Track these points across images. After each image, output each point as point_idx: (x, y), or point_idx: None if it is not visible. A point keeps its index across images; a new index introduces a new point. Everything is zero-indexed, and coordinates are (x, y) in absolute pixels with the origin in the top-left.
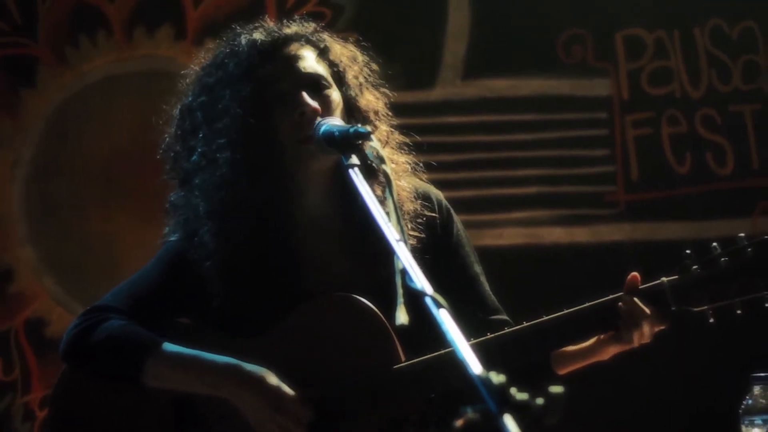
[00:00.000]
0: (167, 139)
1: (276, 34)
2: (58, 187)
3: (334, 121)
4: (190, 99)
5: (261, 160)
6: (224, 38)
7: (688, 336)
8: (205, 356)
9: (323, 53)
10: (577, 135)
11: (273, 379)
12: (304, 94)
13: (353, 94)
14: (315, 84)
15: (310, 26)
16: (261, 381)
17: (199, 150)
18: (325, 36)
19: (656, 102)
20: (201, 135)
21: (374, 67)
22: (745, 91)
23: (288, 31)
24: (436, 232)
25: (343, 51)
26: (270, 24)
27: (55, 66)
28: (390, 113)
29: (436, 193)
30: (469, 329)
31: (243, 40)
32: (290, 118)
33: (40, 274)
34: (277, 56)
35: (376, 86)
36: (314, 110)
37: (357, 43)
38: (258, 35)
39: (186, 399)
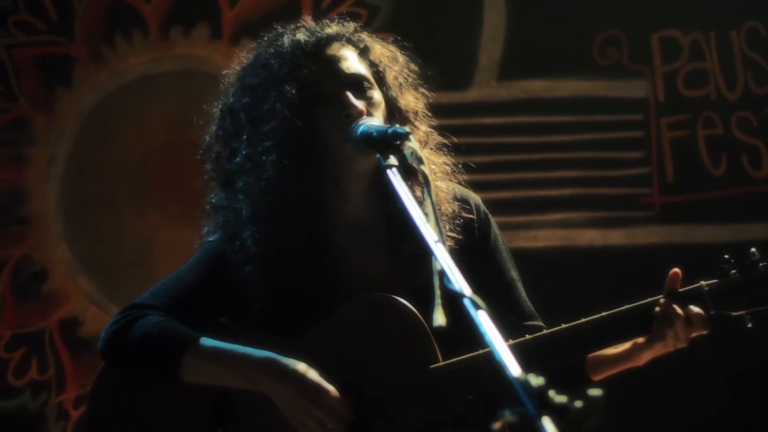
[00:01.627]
0: (208, 139)
1: (319, 35)
2: (93, 186)
3: (372, 122)
4: (232, 100)
5: (308, 163)
6: (266, 38)
7: (726, 340)
8: (243, 350)
9: (364, 53)
10: (612, 137)
11: (312, 374)
12: (349, 95)
13: (393, 94)
14: (358, 84)
15: (350, 26)
16: (298, 374)
17: (243, 152)
18: (365, 36)
19: (692, 104)
20: (245, 136)
21: (413, 67)
22: None
23: (329, 31)
24: (474, 234)
25: (383, 51)
26: (311, 24)
27: (91, 65)
28: (429, 114)
29: (475, 197)
30: (505, 334)
31: (286, 40)
32: (335, 119)
33: (74, 274)
34: (320, 57)
35: (415, 87)
36: (360, 111)
37: (397, 43)
38: (301, 35)
39: (224, 395)
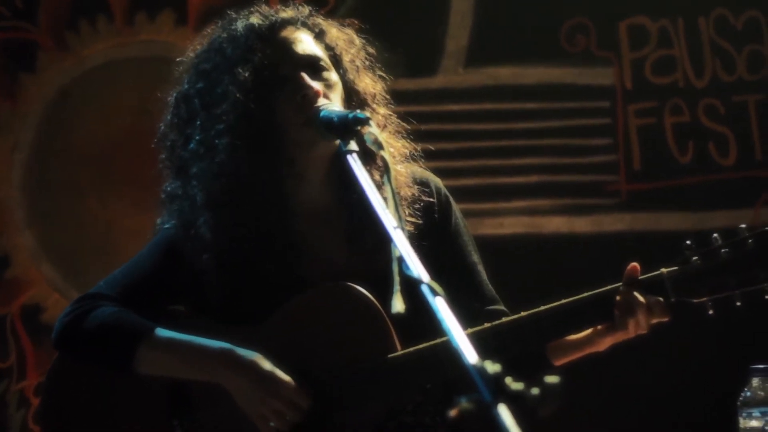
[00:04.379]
0: (162, 127)
1: (273, 18)
2: (56, 172)
3: (333, 107)
4: (186, 86)
5: (262, 145)
6: (219, 23)
7: (687, 328)
8: (198, 341)
9: (319, 36)
10: (579, 124)
11: (267, 364)
12: (305, 76)
13: (351, 77)
14: (314, 65)
15: (305, 10)
16: (254, 365)
17: (197, 138)
18: (321, 20)
19: (659, 91)
20: (198, 122)
21: (371, 50)
22: (749, 81)
23: (284, 15)
24: (434, 218)
25: (339, 34)
26: (266, 8)
27: (55, 51)
28: (388, 97)
29: (435, 180)
30: (466, 319)
31: (239, 24)
32: (292, 101)
33: (37, 260)
34: (274, 40)
35: (373, 69)
36: (316, 92)
37: (355, 28)
38: (254, 19)
39: (180, 386)
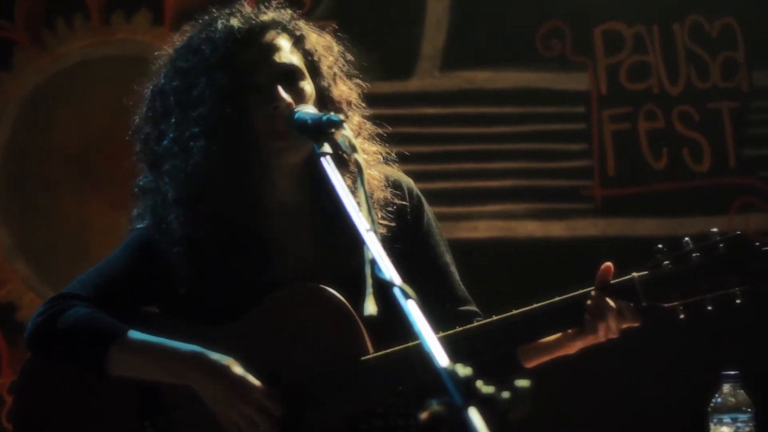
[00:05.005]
0: (137, 120)
1: (253, 21)
2: (32, 170)
3: (308, 109)
4: (162, 81)
5: (236, 149)
6: (200, 21)
7: (659, 333)
8: (170, 344)
9: (299, 42)
10: (554, 129)
11: (238, 369)
12: (279, 88)
13: (326, 84)
14: (289, 76)
15: (287, 13)
16: (225, 370)
17: (171, 135)
18: (302, 24)
19: (634, 97)
20: (173, 120)
21: (349, 57)
22: (723, 88)
23: (265, 18)
24: (407, 220)
25: (318, 40)
26: (247, 9)
27: (32, 49)
28: (363, 104)
29: (407, 181)
30: (438, 320)
31: (219, 25)
32: (264, 110)
33: (12, 258)
34: (253, 44)
35: (350, 77)
36: (288, 105)
37: (334, 33)
38: (235, 21)
39: (151, 387)
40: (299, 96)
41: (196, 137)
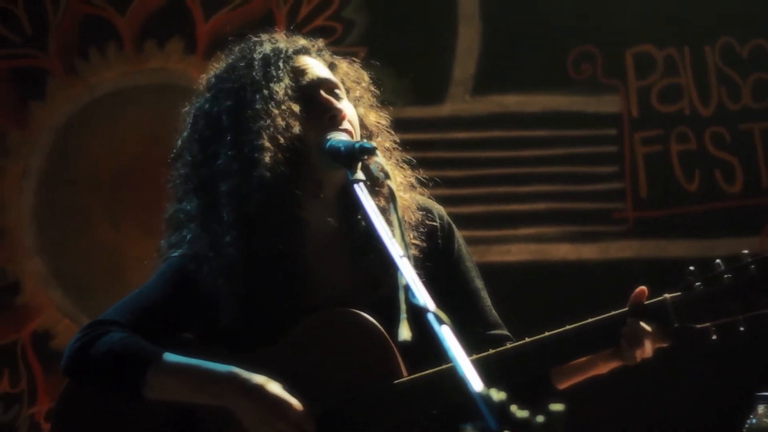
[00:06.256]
0: (180, 143)
1: (295, 44)
2: (66, 198)
3: (341, 137)
4: (207, 105)
5: (296, 163)
6: (239, 47)
7: (693, 354)
8: (206, 365)
9: (331, 69)
10: (586, 151)
11: (275, 388)
12: (331, 98)
13: (359, 112)
14: (333, 91)
15: (319, 42)
16: (261, 389)
17: (229, 154)
18: (331, 54)
19: (666, 119)
20: (229, 138)
21: (376, 85)
22: (755, 109)
23: (301, 42)
24: (437, 243)
25: (348, 70)
26: (282, 36)
27: (65, 78)
28: (391, 131)
29: (438, 208)
30: (470, 344)
31: (267, 46)
32: (318, 123)
33: (47, 286)
34: (298, 64)
35: (379, 105)
36: (343, 115)
37: (365, 60)
38: (280, 44)
39: (187, 412)
40: (346, 108)
41: (261, 149)
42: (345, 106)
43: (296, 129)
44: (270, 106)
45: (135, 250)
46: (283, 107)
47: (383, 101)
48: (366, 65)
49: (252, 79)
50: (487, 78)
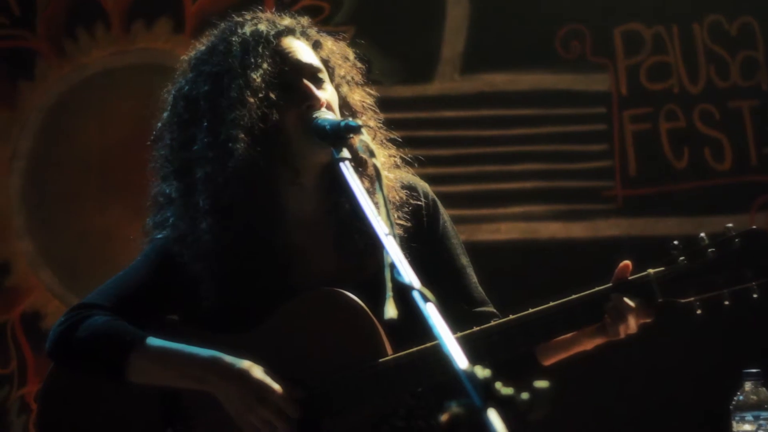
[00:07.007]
0: (160, 125)
1: (278, 26)
2: (55, 179)
3: (326, 115)
4: (187, 87)
5: (273, 151)
6: (221, 27)
7: (680, 331)
8: (189, 349)
9: (315, 48)
10: (575, 130)
11: (257, 372)
12: (311, 86)
13: (343, 91)
14: (315, 76)
15: (303, 20)
16: (244, 373)
17: (205, 140)
18: (317, 31)
19: (654, 97)
20: (205, 124)
21: (362, 66)
22: (743, 86)
23: (286, 23)
24: (422, 221)
25: (334, 48)
26: (268, 15)
27: (54, 58)
28: (376, 110)
29: (423, 185)
30: (456, 321)
31: (247, 29)
32: (297, 110)
33: (36, 267)
34: (279, 47)
35: (365, 83)
36: (321, 102)
37: (352, 39)
38: (262, 26)
39: (172, 395)
40: (327, 95)
41: (235, 140)
42: (326, 91)
43: (273, 117)
44: (246, 95)
45: (124, 230)
46: (260, 95)
47: (371, 80)
48: (354, 44)
49: (229, 65)
50: (475, 57)
